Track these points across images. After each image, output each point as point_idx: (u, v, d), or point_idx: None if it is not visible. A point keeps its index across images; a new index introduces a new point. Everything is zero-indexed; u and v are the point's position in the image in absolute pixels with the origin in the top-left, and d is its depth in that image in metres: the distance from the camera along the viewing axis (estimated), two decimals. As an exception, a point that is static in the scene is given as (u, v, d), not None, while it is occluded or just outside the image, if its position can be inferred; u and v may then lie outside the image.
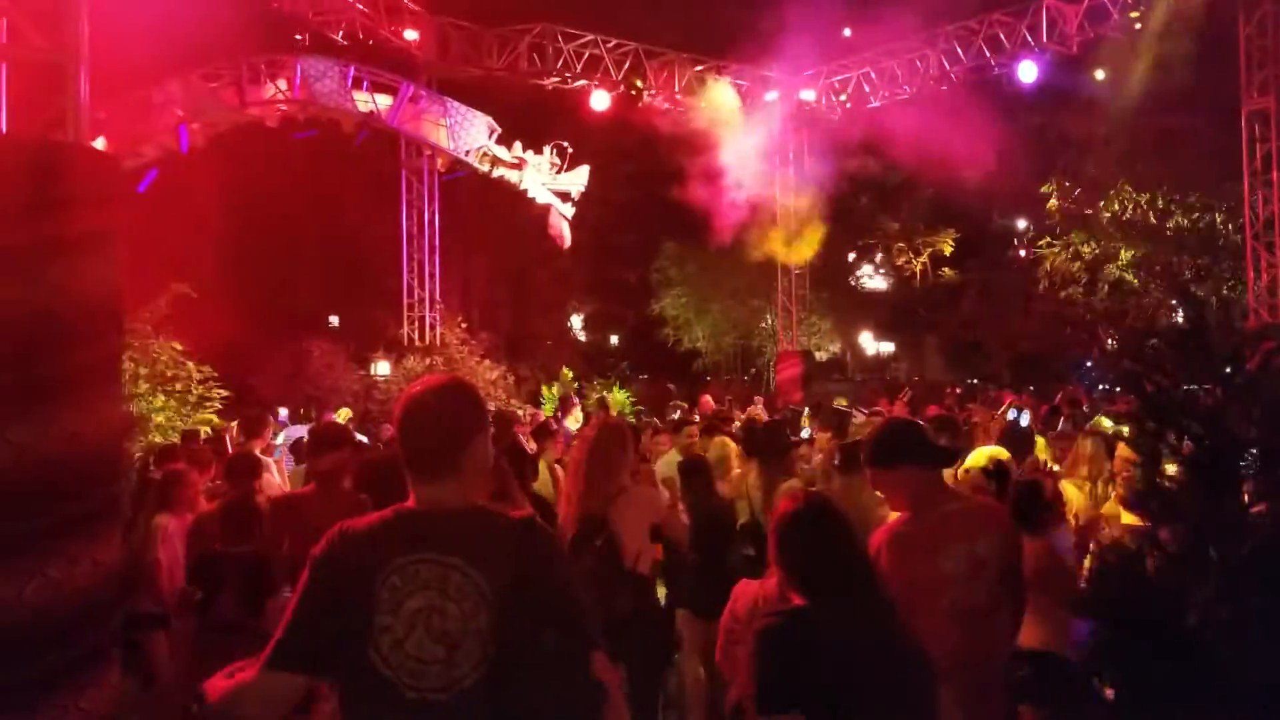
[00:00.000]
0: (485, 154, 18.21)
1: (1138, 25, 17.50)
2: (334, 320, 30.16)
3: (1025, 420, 12.03)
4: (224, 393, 13.53)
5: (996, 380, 25.94)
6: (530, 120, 20.09)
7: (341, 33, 18.45)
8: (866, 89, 21.70)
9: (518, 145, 18.49)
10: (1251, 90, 17.01)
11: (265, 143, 19.23)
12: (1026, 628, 4.82)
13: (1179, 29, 17.38)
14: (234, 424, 11.53)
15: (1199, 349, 3.55)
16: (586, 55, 20.23)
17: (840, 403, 11.30)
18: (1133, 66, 18.71)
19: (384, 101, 17.72)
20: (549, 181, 18.61)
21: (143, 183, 15.27)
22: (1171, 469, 3.38)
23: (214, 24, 15.27)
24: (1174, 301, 21.86)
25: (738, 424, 11.13)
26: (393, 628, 2.47)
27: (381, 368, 19.50)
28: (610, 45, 20.42)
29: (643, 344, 35.53)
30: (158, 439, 11.57)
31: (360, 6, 18.04)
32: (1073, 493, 6.90)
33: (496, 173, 18.41)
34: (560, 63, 20.10)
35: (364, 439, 11.65)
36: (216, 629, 5.79)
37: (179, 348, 13.21)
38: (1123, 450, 6.38)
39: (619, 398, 19.96)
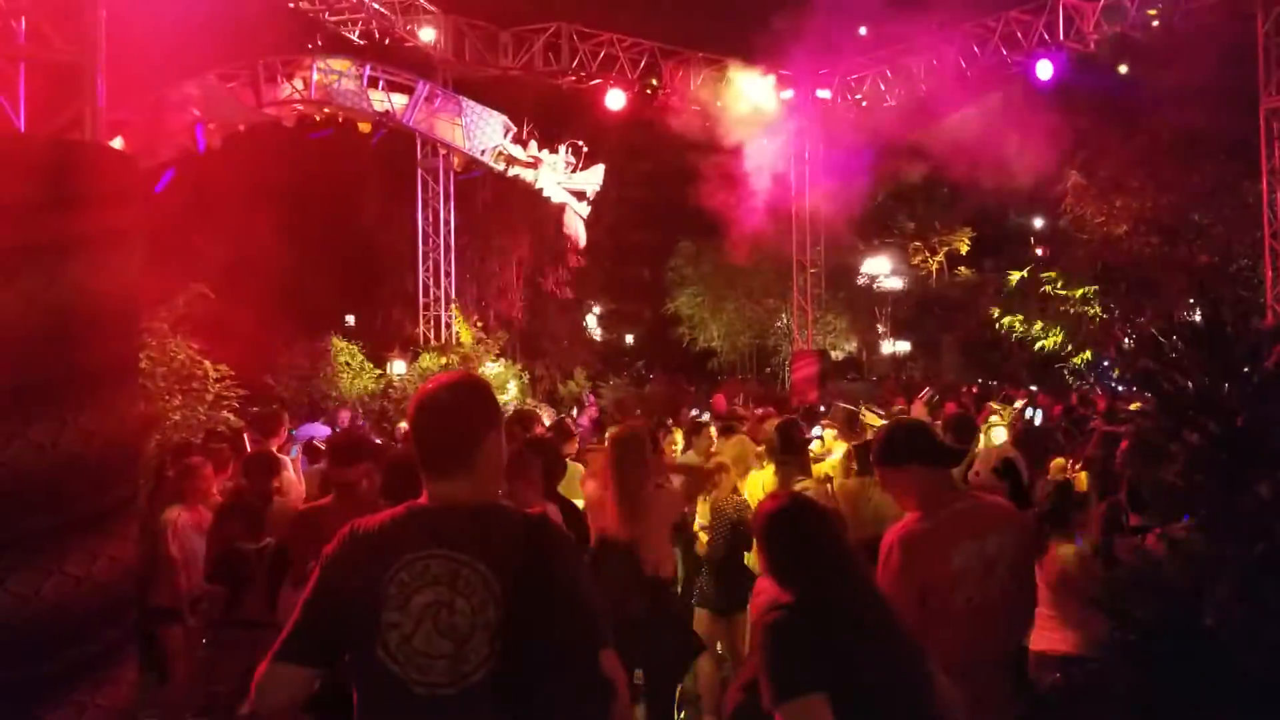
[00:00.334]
0: (501, 153, 18.24)
1: (1155, 23, 17.42)
2: (350, 319, 30.24)
3: (1039, 419, 12.00)
4: (241, 392, 13.57)
5: (1014, 380, 25.85)
6: (546, 119, 20.12)
7: (358, 32, 18.51)
8: (883, 87, 21.66)
9: (533, 144, 18.51)
10: (1270, 88, 16.92)
11: (281, 143, 19.29)
12: (1057, 631, 4.82)
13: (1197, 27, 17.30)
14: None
15: (1216, 348, 3.53)
16: (602, 54, 20.25)
17: (866, 412, 11.25)
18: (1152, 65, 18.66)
19: (400, 101, 17.76)
20: (564, 180, 18.63)
21: (160, 183, 15.34)
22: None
23: (230, 24, 15.33)
24: (1191, 300, 21.73)
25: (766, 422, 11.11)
26: (400, 623, 2.49)
27: (397, 367, 19.54)
28: (626, 44, 20.43)
29: (658, 343, 35.53)
30: (174, 437, 11.62)
31: (376, 6, 18.09)
32: None
33: (512, 172, 18.44)
34: (576, 62, 20.12)
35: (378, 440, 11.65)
36: (241, 625, 5.83)
37: (195, 347, 13.26)
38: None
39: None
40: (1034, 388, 21.23)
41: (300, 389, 18.56)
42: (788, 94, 21.75)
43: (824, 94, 21.89)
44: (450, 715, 2.48)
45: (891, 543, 3.84)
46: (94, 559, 3.84)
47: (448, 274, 21.01)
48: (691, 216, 27.58)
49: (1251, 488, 3.31)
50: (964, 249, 33.29)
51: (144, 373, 11.08)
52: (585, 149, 18.75)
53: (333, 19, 18.19)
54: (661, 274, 33.15)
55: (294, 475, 8.83)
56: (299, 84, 16.71)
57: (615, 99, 20.12)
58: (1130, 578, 3.51)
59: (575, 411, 20.67)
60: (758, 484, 7.21)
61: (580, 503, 6.30)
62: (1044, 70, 18.41)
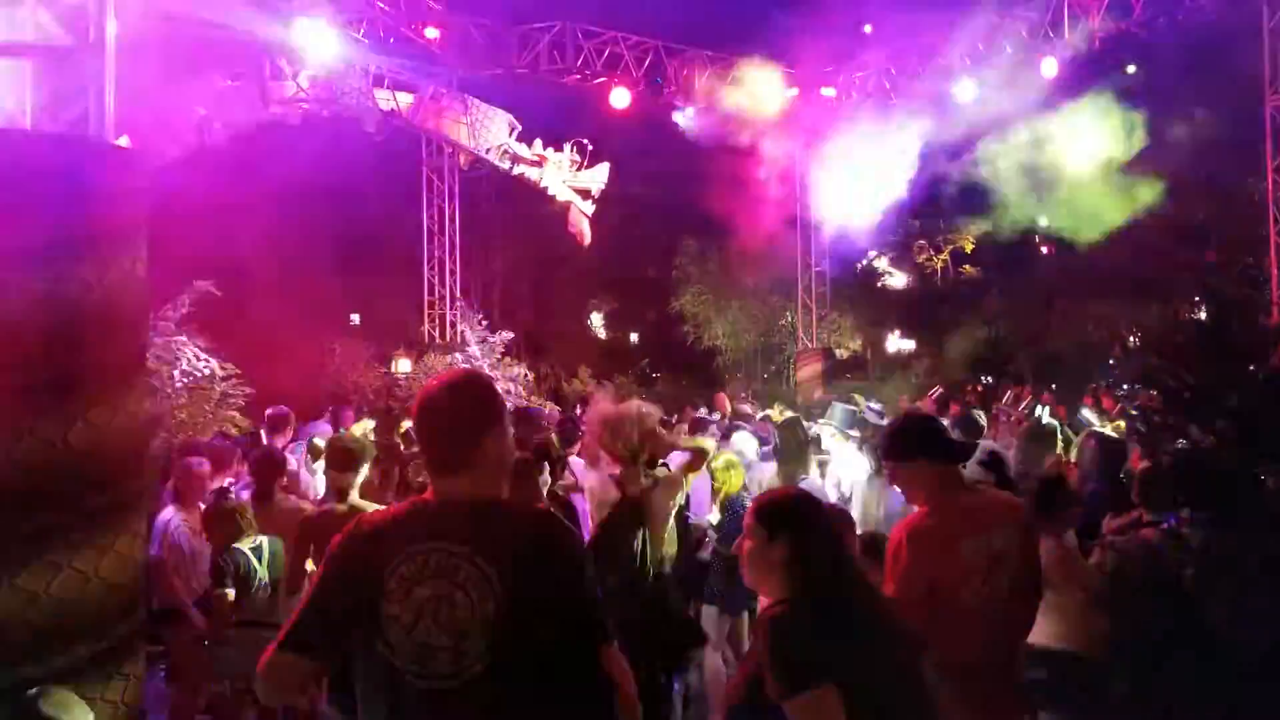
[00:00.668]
0: (506, 152, 18.24)
1: (1160, 20, 17.39)
2: (355, 318, 30.27)
3: (1047, 417, 11.99)
4: (247, 390, 13.60)
5: (1019, 379, 25.82)
6: (551, 118, 20.12)
7: (363, 31, 18.51)
8: (887, 85, 21.62)
9: (538, 143, 18.51)
10: (1276, 86, 16.88)
11: (287, 141, 19.31)
12: (1043, 625, 4.82)
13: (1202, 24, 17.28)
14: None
15: (1221, 346, 3.54)
16: (607, 53, 20.23)
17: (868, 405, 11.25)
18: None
19: (405, 99, 17.77)
20: (569, 179, 18.62)
21: (165, 181, 15.34)
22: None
23: (235, 22, 15.32)
24: (1197, 298, 21.68)
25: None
26: (400, 616, 2.52)
27: (403, 365, 19.55)
28: (631, 43, 20.42)
29: (663, 341, 35.51)
30: (181, 436, 11.65)
31: (381, 5, 18.09)
32: None
33: (517, 170, 18.44)
34: (581, 60, 20.11)
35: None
36: (243, 625, 5.85)
37: (202, 345, 13.29)
38: None
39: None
40: (1040, 386, 21.19)
41: (306, 388, 18.58)
42: (792, 92, 21.72)
43: (829, 92, 21.84)
44: (449, 707, 2.50)
45: (900, 538, 3.86)
46: (102, 555, 3.86)
47: (453, 272, 21.03)
48: (696, 215, 27.59)
49: (1256, 483, 3.32)
50: (969, 247, 33.24)
51: (150, 371, 11.10)
52: (590, 147, 18.75)
53: (338, 17, 18.18)
54: (666, 272, 33.10)
55: (306, 475, 8.87)
56: (305, 82, 16.72)
57: (620, 97, 20.11)
58: (1135, 574, 3.52)
59: (579, 410, 20.66)
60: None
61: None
62: (1048, 68, 18.37)
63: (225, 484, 7.37)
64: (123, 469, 4.00)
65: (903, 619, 3.13)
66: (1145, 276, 24.77)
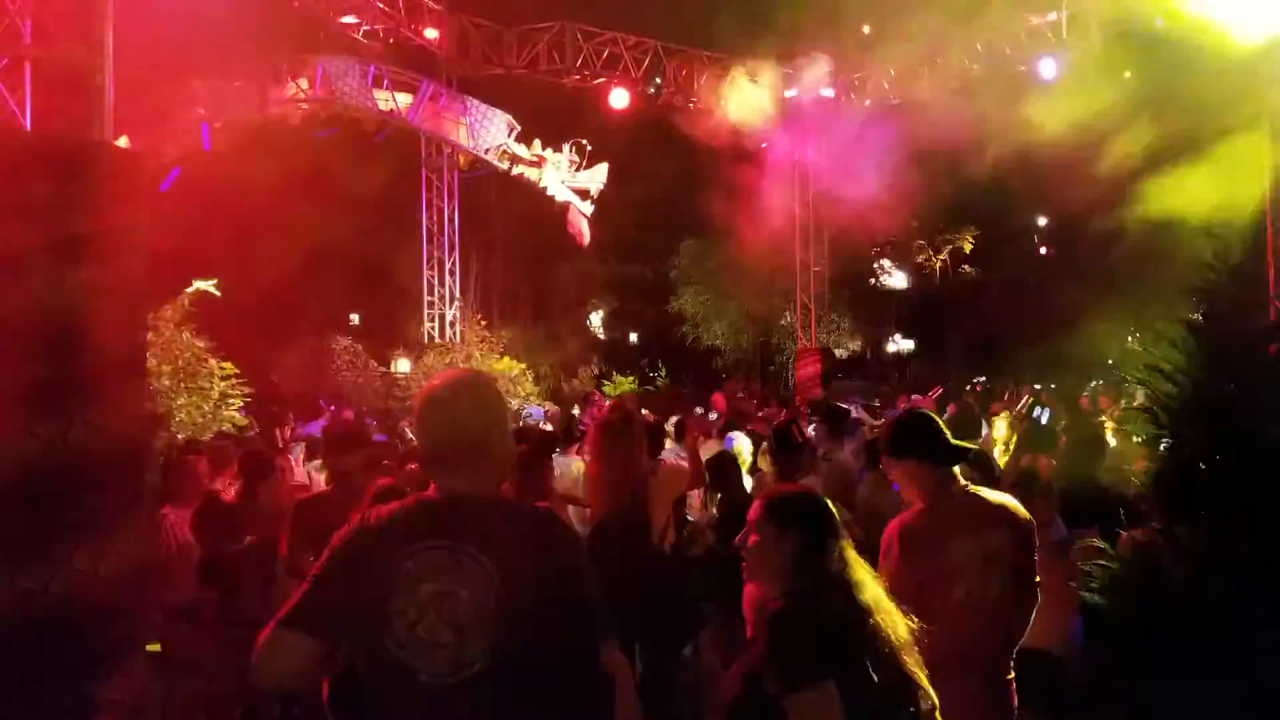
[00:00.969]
0: (505, 152, 18.28)
1: (1160, 22, 17.40)
2: (355, 318, 30.30)
3: (1046, 418, 11.99)
4: (247, 390, 13.62)
5: (1017, 378, 25.85)
6: (550, 118, 20.14)
7: (362, 32, 18.54)
8: (886, 85, 21.65)
9: (537, 143, 18.54)
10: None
11: (286, 141, 19.33)
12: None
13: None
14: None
15: (1214, 345, 3.56)
16: (606, 53, 20.27)
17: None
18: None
19: (404, 100, 17.79)
20: (568, 179, 18.65)
21: (165, 181, 15.37)
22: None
23: (236, 23, 15.35)
24: (1195, 298, 21.69)
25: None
26: (406, 612, 2.53)
27: (402, 365, 19.57)
28: (630, 43, 20.45)
29: (662, 341, 35.54)
30: (180, 435, 11.66)
31: (381, 5, 18.12)
32: None
33: (516, 170, 18.46)
34: (580, 60, 20.14)
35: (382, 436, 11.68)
36: (235, 625, 5.84)
37: (201, 345, 13.30)
38: None
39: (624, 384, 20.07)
40: (1037, 386, 21.21)
41: (305, 387, 18.60)
42: (791, 92, 21.74)
43: (827, 92, 21.86)
44: (452, 703, 2.52)
45: (891, 535, 3.88)
46: (102, 554, 3.89)
47: (452, 272, 21.06)
48: (695, 215, 27.59)
49: (1250, 481, 3.33)
50: (968, 248, 33.29)
51: (149, 371, 11.12)
52: (589, 148, 18.78)
53: (337, 18, 18.22)
54: (665, 272, 33.17)
55: (302, 473, 8.87)
56: (304, 83, 16.74)
57: (619, 98, 20.13)
58: (1129, 573, 3.53)
59: (578, 410, 20.67)
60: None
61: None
62: (1047, 69, 18.39)
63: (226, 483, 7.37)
64: (122, 469, 4.02)
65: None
66: (1142, 276, 24.79)
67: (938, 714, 3.03)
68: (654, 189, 29.46)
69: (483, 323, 20.62)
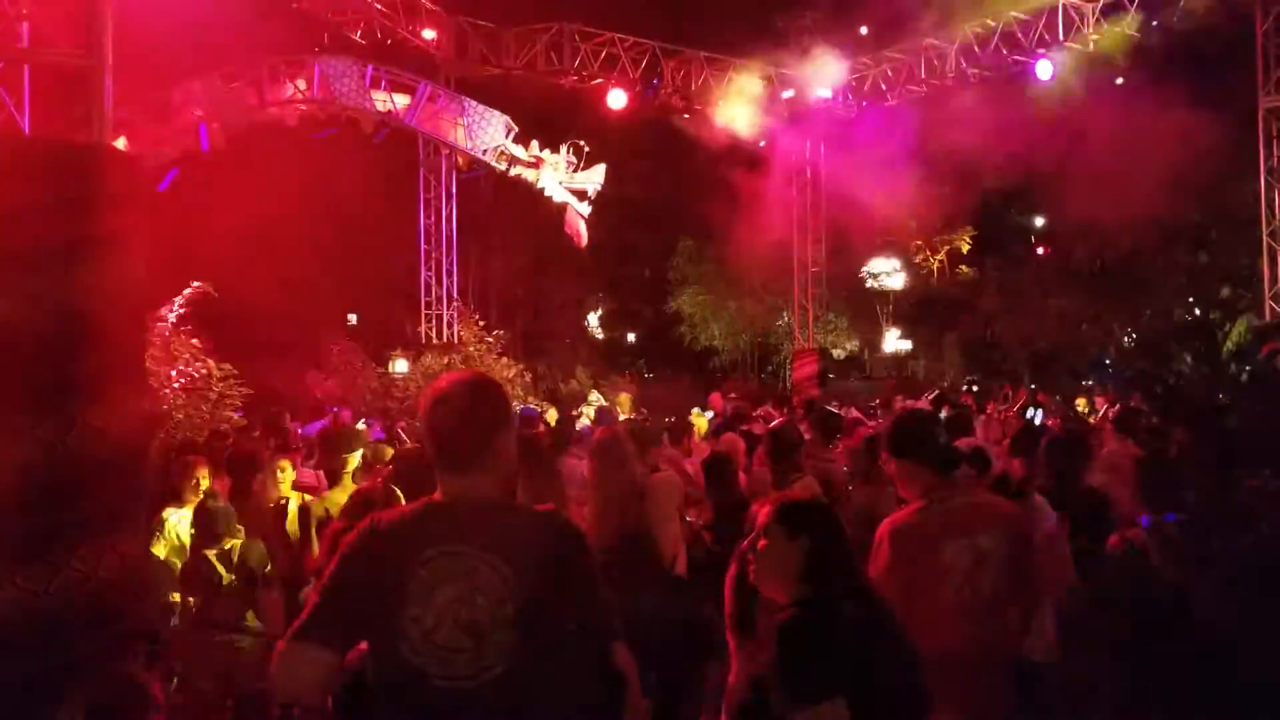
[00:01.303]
0: (502, 153, 18.27)
1: (1154, 23, 17.44)
2: (352, 318, 30.27)
3: (1040, 419, 12.04)
4: (244, 390, 13.63)
5: (1014, 379, 25.88)
6: (547, 119, 20.14)
7: (360, 32, 18.55)
8: (883, 87, 21.68)
9: (535, 144, 18.53)
10: (1268, 88, 16.95)
11: (284, 142, 19.33)
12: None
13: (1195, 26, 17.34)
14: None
15: (1207, 346, 3.59)
16: (604, 54, 20.28)
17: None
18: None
19: (402, 101, 17.79)
20: (566, 180, 18.65)
21: (163, 182, 15.38)
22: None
23: (233, 24, 15.37)
24: (1191, 299, 21.78)
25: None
26: (422, 619, 2.54)
27: (399, 365, 19.57)
28: (628, 44, 20.46)
29: (659, 342, 35.55)
30: (178, 436, 11.67)
31: (378, 6, 18.13)
32: None
33: (514, 171, 18.46)
34: (577, 61, 20.16)
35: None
36: (215, 628, 5.84)
37: (198, 345, 13.31)
38: None
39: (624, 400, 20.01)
40: (1034, 386, 21.26)
41: (302, 388, 18.59)
42: (789, 93, 21.77)
43: (824, 93, 21.89)
44: (470, 708, 2.53)
45: (883, 535, 3.90)
46: (101, 555, 3.90)
47: (449, 273, 21.06)
48: (693, 216, 27.61)
49: (1238, 482, 3.36)
50: (965, 248, 33.29)
51: (149, 372, 11.13)
52: (587, 149, 18.78)
53: (335, 19, 18.23)
54: (663, 273, 33.17)
55: (310, 472, 8.87)
56: (302, 84, 16.75)
57: (617, 98, 20.14)
58: (1120, 570, 3.56)
59: (576, 411, 20.67)
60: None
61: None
62: (1044, 70, 18.42)
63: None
64: (122, 470, 4.04)
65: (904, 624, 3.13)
66: (1141, 277, 24.87)
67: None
68: (652, 190, 29.49)
69: (480, 323, 20.62)
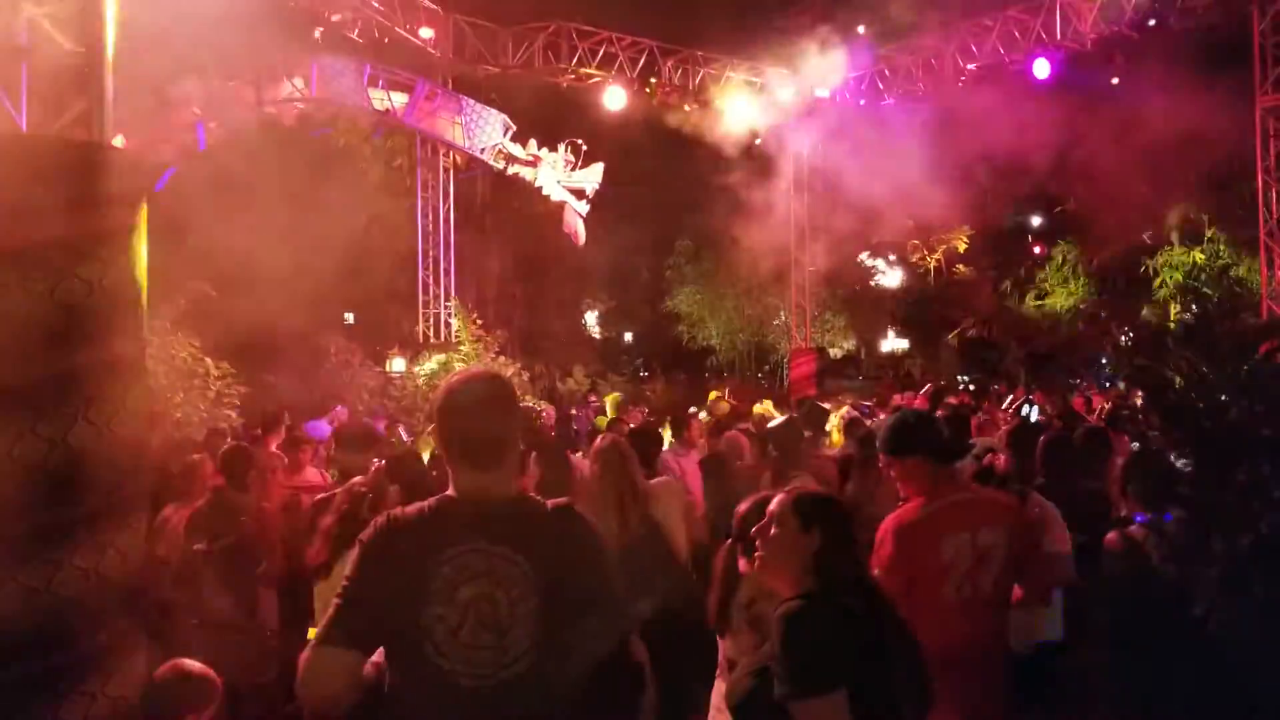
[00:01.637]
0: (500, 151, 18.29)
1: (1151, 21, 17.46)
2: (349, 317, 30.24)
3: (1035, 416, 12.06)
4: (242, 389, 13.64)
5: (1010, 378, 25.92)
6: (545, 117, 20.14)
7: (357, 31, 18.53)
8: (881, 86, 21.70)
9: (533, 143, 18.55)
10: (1266, 87, 16.97)
11: (281, 140, 19.31)
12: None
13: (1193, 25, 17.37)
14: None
15: (1205, 344, 3.59)
16: (602, 52, 20.29)
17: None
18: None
19: (399, 99, 17.80)
20: (564, 179, 18.67)
21: (160, 181, 15.35)
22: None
23: (231, 23, 15.34)
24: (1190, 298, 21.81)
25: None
26: (446, 617, 2.54)
27: (397, 364, 19.57)
28: (625, 43, 20.47)
29: (657, 341, 35.57)
30: (176, 435, 11.68)
31: (376, 5, 18.12)
32: None
33: (511, 170, 18.48)
34: (575, 60, 20.16)
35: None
36: (210, 627, 5.84)
37: (197, 344, 13.32)
38: None
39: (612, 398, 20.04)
40: (1032, 385, 21.28)
41: (300, 387, 18.57)
42: (787, 92, 21.78)
43: (822, 93, 21.90)
44: (494, 705, 2.54)
45: (886, 531, 3.91)
46: (103, 552, 3.90)
47: (447, 272, 21.06)
48: (691, 214, 27.61)
49: (1238, 480, 3.37)
50: (962, 247, 33.32)
51: (148, 372, 11.13)
52: (584, 147, 18.79)
53: (333, 17, 18.21)
54: (660, 272, 33.19)
55: (315, 472, 8.87)
56: (299, 82, 16.75)
57: (615, 97, 20.14)
58: (1120, 566, 3.57)
59: (574, 410, 20.70)
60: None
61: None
62: (1041, 69, 18.44)
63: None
64: (123, 467, 4.04)
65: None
66: (1136, 276, 24.90)
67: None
68: (649, 188, 29.48)
69: (478, 322, 20.63)
